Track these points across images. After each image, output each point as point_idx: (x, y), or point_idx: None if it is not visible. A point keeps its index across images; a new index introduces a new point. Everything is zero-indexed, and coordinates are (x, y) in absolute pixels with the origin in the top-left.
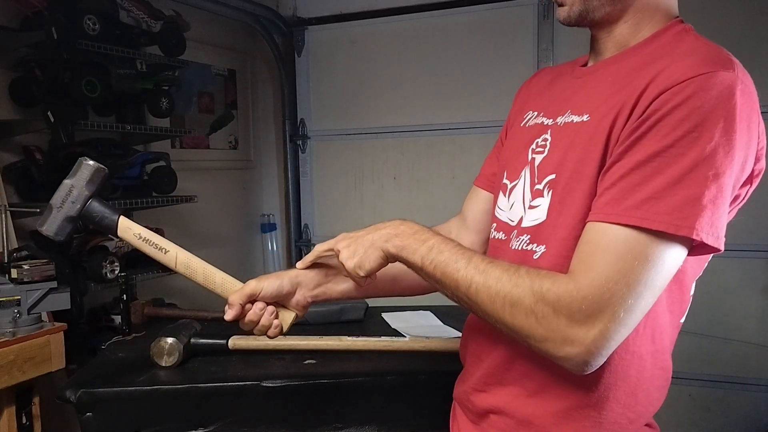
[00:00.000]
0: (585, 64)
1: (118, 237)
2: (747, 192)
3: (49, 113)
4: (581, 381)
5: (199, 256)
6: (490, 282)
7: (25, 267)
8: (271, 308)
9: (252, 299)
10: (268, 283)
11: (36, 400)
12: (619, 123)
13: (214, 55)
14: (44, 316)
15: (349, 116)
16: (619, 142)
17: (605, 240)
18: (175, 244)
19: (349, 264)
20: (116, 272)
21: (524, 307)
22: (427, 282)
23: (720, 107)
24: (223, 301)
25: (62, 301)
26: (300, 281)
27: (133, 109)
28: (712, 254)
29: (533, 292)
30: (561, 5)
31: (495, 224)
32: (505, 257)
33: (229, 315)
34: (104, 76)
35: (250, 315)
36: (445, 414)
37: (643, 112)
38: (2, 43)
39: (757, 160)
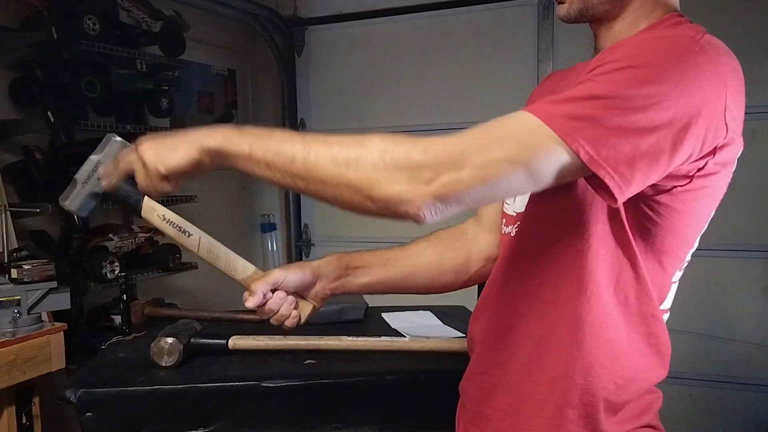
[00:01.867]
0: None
1: (141, 216)
2: (707, 164)
3: (49, 113)
4: (565, 349)
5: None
6: (332, 146)
7: (25, 267)
8: (291, 298)
9: (274, 288)
10: (292, 273)
11: (36, 400)
12: None
13: (214, 55)
14: (44, 316)
15: (349, 116)
16: None
17: (500, 118)
18: (198, 228)
19: (151, 158)
20: (116, 272)
21: (371, 156)
22: (255, 174)
23: (674, 55)
24: (222, 302)
25: (62, 301)
26: (321, 272)
27: (133, 109)
28: (609, 201)
29: (382, 140)
30: (561, 2)
31: (504, 219)
32: (503, 245)
33: (250, 302)
34: (104, 76)
35: (271, 303)
36: (446, 414)
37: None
38: (2, 43)
39: (722, 134)
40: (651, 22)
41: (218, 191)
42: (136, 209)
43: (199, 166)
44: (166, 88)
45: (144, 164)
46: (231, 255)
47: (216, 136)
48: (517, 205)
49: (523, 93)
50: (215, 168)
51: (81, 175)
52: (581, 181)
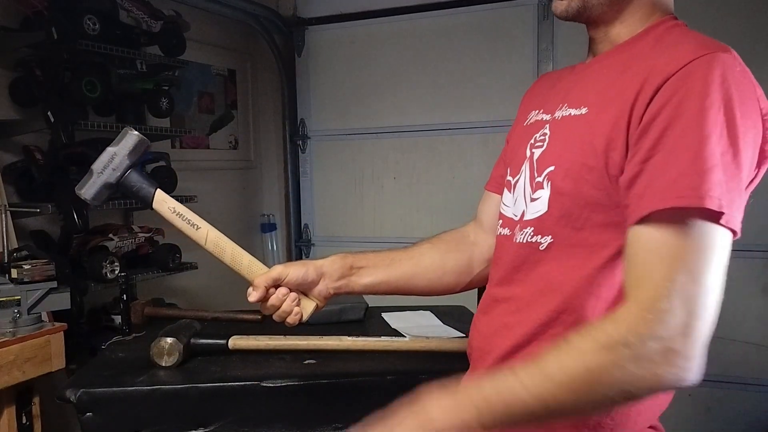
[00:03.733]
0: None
1: (152, 208)
2: (759, 174)
3: (49, 113)
4: None
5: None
6: (558, 378)
7: (25, 267)
8: (293, 295)
9: (277, 284)
10: (294, 270)
11: (36, 400)
12: (620, 118)
13: (214, 55)
14: (44, 316)
15: (349, 116)
16: (629, 146)
17: (644, 240)
18: (206, 222)
19: None
20: (116, 272)
21: (608, 367)
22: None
23: (722, 86)
24: (222, 302)
25: (62, 301)
26: (324, 272)
27: (133, 109)
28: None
29: (603, 345)
30: None
31: (501, 221)
32: (510, 251)
33: (253, 297)
34: (104, 76)
35: (273, 299)
36: None
37: (644, 111)
38: (2, 43)
39: (765, 141)
40: (648, 25)
41: (218, 191)
42: (148, 200)
43: None
44: (166, 88)
45: None
46: (237, 250)
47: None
48: (518, 208)
49: (523, 93)
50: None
51: (97, 165)
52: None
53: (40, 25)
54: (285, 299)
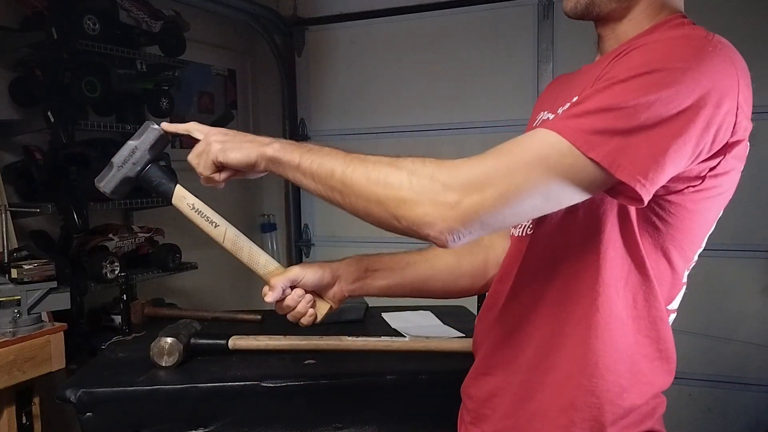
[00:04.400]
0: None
1: (171, 204)
2: (720, 164)
3: (49, 113)
4: (571, 350)
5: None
6: (368, 164)
7: (25, 267)
8: (309, 296)
9: (293, 285)
10: (311, 272)
11: (36, 400)
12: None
13: (214, 55)
14: (44, 316)
15: (349, 116)
16: None
17: (519, 138)
18: (225, 220)
19: (216, 146)
20: (116, 272)
21: (399, 177)
22: (301, 184)
23: (688, 55)
24: (222, 302)
25: (62, 301)
26: (340, 274)
27: (133, 109)
28: (633, 204)
29: (413, 162)
30: None
31: None
32: (512, 246)
33: (269, 297)
34: (104, 76)
35: (289, 300)
36: (446, 414)
37: (611, 61)
38: (2, 43)
39: (734, 132)
40: (655, 23)
41: (218, 191)
42: (167, 196)
43: (252, 168)
44: (166, 88)
45: (208, 145)
46: (255, 249)
47: (275, 146)
48: None
49: (523, 93)
50: (264, 172)
51: (118, 158)
52: None
53: (40, 25)
54: (300, 300)
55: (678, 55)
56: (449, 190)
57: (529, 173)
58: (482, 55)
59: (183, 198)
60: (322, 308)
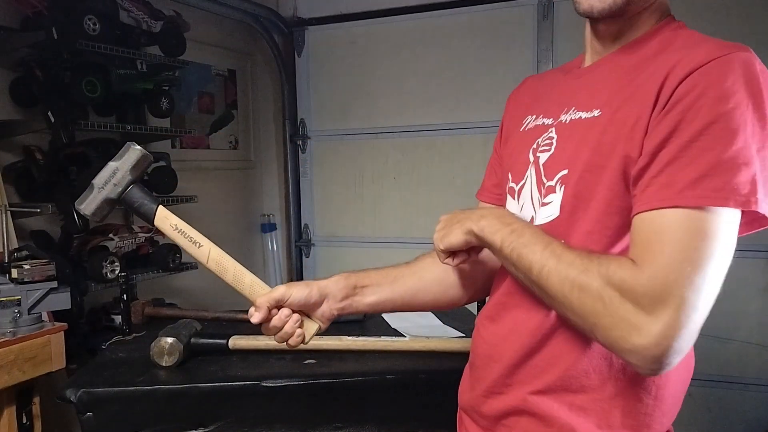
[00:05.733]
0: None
1: (154, 225)
2: None
3: (49, 113)
4: (609, 371)
5: None
6: (561, 266)
7: (26, 267)
8: (296, 316)
9: (279, 305)
10: (297, 291)
11: (36, 400)
12: (642, 115)
13: (214, 55)
14: (44, 316)
15: (349, 116)
16: (648, 133)
17: (662, 226)
18: (209, 240)
19: (436, 235)
20: (116, 272)
21: (592, 292)
22: (504, 265)
23: (747, 84)
24: (222, 302)
25: (62, 301)
26: (328, 293)
27: (133, 109)
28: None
29: (600, 275)
30: None
31: None
32: None
33: (255, 318)
34: (104, 76)
35: (275, 321)
36: (445, 413)
37: (668, 100)
38: (2, 43)
39: None
40: (651, 25)
41: (218, 191)
42: (149, 217)
43: (468, 244)
44: (166, 88)
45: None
46: (239, 269)
47: (481, 223)
48: (525, 214)
49: None
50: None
51: (98, 180)
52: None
53: (40, 25)
54: (287, 321)
55: (743, 92)
56: (641, 312)
57: (702, 262)
58: (482, 55)
59: (165, 219)
60: (311, 328)
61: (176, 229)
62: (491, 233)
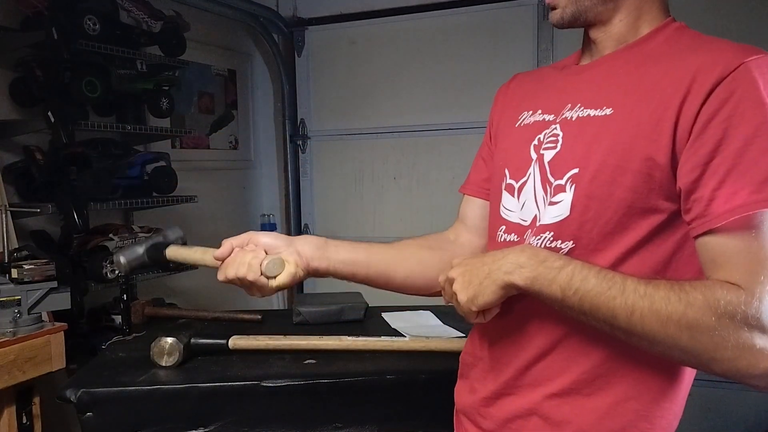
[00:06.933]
0: (577, 63)
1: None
2: None
3: (49, 113)
4: (626, 373)
5: None
6: (657, 306)
7: (26, 267)
8: (262, 252)
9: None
10: (264, 234)
11: (36, 400)
12: (665, 117)
13: (214, 55)
14: (44, 316)
15: (349, 116)
16: (686, 144)
17: (748, 241)
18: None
19: (462, 296)
20: (116, 272)
21: (706, 327)
22: (566, 313)
23: None
24: (222, 302)
25: (62, 301)
26: (297, 243)
27: (133, 109)
28: None
29: (711, 307)
30: (554, 8)
31: (503, 226)
32: None
33: (217, 252)
34: (104, 76)
35: (237, 255)
36: (445, 413)
37: (701, 108)
38: (2, 43)
39: None
40: (654, 25)
41: (218, 191)
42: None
43: (506, 296)
44: (166, 88)
45: (455, 300)
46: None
47: (524, 274)
48: (527, 213)
49: None
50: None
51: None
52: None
53: (40, 25)
54: (252, 256)
55: None
56: (765, 335)
57: None
58: (482, 55)
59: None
60: (286, 271)
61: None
62: (546, 285)
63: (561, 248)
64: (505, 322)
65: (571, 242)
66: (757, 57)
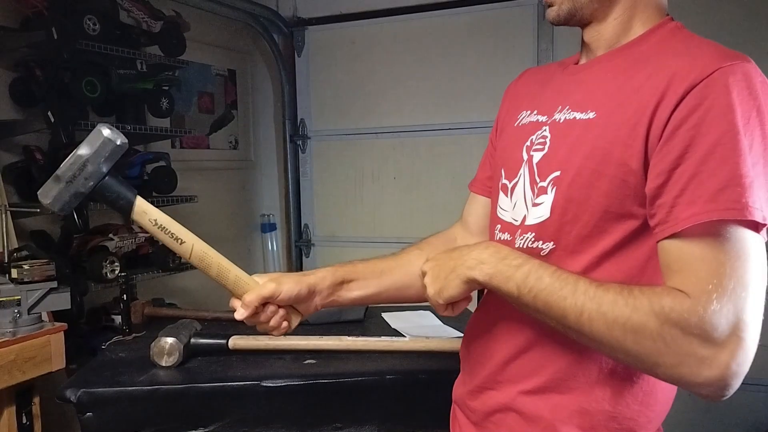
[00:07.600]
0: (577, 63)
1: (132, 219)
2: None
3: (49, 113)
4: (598, 374)
5: None
6: (604, 308)
7: (26, 267)
8: (283, 311)
9: (267, 302)
10: (288, 289)
11: (36, 400)
12: (639, 122)
13: (214, 55)
14: (44, 316)
15: (349, 116)
16: (656, 148)
17: (702, 250)
18: (193, 235)
19: (430, 290)
20: (116, 272)
21: (649, 333)
22: (523, 311)
23: (751, 97)
24: (222, 302)
25: (62, 301)
26: (317, 289)
27: (133, 109)
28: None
29: (655, 313)
30: (550, 5)
31: (499, 225)
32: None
33: (239, 315)
34: (104, 76)
35: (262, 318)
36: (445, 414)
37: (672, 113)
38: (2, 43)
39: None
40: (648, 26)
41: (218, 191)
42: (126, 211)
43: (470, 291)
44: (166, 88)
45: (426, 293)
46: (224, 264)
47: (484, 270)
48: (517, 213)
49: None
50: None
51: (65, 172)
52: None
53: (40, 25)
54: (274, 316)
55: (748, 103)
56: (708, 344)
57: (748, 279)
58: (482, 55)
59: (144, 213)
60: (295, 319)
61: (156, 224)
62: (503, 281)
63: (542, 249)
64: (490, 319)
65: (552, 243)
66: (733, 63)
